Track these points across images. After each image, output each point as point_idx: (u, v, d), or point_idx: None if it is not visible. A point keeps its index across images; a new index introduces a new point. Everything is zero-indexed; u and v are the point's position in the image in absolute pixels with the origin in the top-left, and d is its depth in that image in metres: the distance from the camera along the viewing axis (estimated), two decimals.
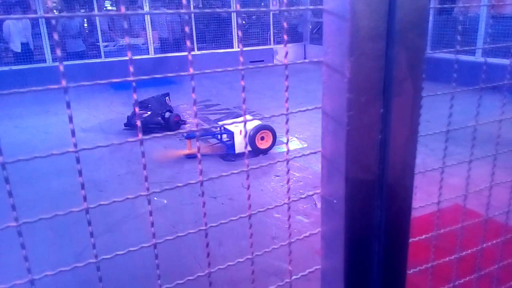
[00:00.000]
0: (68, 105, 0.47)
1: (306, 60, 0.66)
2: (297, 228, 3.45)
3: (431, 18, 8.80)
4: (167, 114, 6.19)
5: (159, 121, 6.08)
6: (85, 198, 0.52)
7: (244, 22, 11.71)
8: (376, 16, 0.59)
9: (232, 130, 5.04)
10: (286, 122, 0.63)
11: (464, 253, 1.01)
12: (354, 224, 0.66)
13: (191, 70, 0.55)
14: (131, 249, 0.59)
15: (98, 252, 0.62)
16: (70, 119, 0.47)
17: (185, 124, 6.52)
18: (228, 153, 5.11)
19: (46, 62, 9.56)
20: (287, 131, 0.63)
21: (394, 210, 0.69)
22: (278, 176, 4.42)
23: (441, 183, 0.88)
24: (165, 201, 3.92)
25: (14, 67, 9.20)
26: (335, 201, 0.67)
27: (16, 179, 4.42)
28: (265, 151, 5.05)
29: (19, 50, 9.22)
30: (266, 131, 5.08)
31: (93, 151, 4.51)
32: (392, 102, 0.62)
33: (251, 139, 4.94)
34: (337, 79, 0.60)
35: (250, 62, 11.15)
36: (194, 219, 3.59)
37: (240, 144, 4.99)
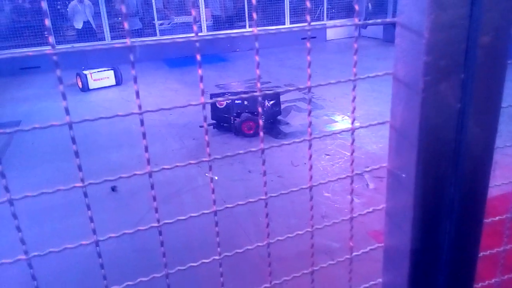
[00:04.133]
0: (133, 65, 0.46)
1: (379, 21, 0.61)
2: (347, 209, 3.38)
3: None
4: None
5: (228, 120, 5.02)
6: (148, 161, 0.52)
7: None
8: None
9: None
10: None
11: None
12: (424, 201, 0.62)
13: (256, 30, 0.52)
14: (192, 214, 0.59)
15: (154, 222, 0.63)
16: (134, 76, 0.46)
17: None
18: None
19: (105, 40, 9.95)
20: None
21: (469, 188, 0.64)
22: (329, 155, 4.34)
23: None
24: (216, 178, 4.00)
25: (76, 45, 9.69)
26: (403, 175, 0.62)
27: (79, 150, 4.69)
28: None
29: (80, 27, 9.70)
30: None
31: (147, 126, 4.73)
32: (475, 66, 0.56)
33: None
34: (413, 41, 0.55)
35: (302, 39, 10.90)
36: (244, 194, 3.63)
37: None
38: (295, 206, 3.32)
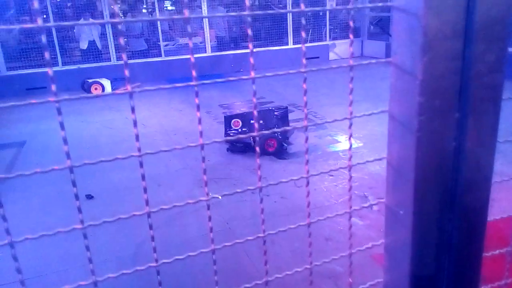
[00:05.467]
0: (133, 110, 0.48)
1: (373, 61, 0.62)
2: (351, 231, 3.35)
3: None
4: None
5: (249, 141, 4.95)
6: (145, 190, 0.53)
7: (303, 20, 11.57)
8: (453, 12, 0.53)
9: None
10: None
11: None
12: (421, 238, 0.62)
13: (252, 74, 0.54)
14: (190, 254, 0.59)
15: (157, 244, 0.64)
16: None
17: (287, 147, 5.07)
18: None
19: (110, 61, 10.10)
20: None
21: (467, 224, 0.64)
22: (332, 176, 4.33)
23: None
24: (220, 197, 3.98)
25: (81, 66, 9.84)
26: (401, 212, 0.62)
27: (80, 171, 4.72)
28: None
29: (85, 47, 9.89)
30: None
31: (151, 147, 4.71)
32: (469, 106, 0.57)
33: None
34: (407, 81, 0.56)
35: (306, 59, 10.99)
36: (248, 216, 3.61)
37: None
38: (300, 229, 3.29)
